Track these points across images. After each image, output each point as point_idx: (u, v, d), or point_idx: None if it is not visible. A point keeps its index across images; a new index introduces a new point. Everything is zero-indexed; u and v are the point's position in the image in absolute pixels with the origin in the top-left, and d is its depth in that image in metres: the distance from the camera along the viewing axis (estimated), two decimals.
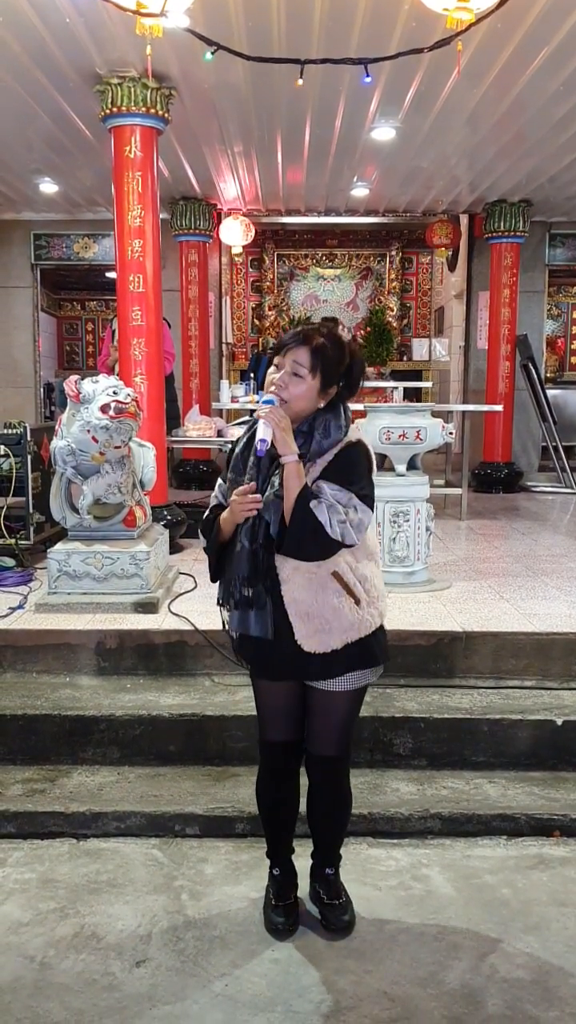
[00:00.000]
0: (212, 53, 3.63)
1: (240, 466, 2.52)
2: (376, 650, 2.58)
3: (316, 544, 2.37)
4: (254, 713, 2.74)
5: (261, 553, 2.42)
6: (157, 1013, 2.39)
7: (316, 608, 2.45)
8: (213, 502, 2.63)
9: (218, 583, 2.59)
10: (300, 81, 3.74)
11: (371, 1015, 2.38)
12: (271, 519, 2.39)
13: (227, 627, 2.61)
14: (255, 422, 2.55)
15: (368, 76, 3.85)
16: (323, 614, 2.45)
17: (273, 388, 2.41)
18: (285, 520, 2.37)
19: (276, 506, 2.38)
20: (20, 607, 4.57)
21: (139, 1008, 2.40)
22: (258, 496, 2.39)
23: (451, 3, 3.49)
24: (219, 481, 2.65)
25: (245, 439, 2.55)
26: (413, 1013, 2.39)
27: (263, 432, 2.33)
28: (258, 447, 2.33)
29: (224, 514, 2.49)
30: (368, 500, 2.43)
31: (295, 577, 2.44)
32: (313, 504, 2.34)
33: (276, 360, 2.44)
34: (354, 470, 2.44)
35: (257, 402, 2.50)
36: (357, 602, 2.49)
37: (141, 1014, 2.38)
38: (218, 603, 2.59)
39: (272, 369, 2.45)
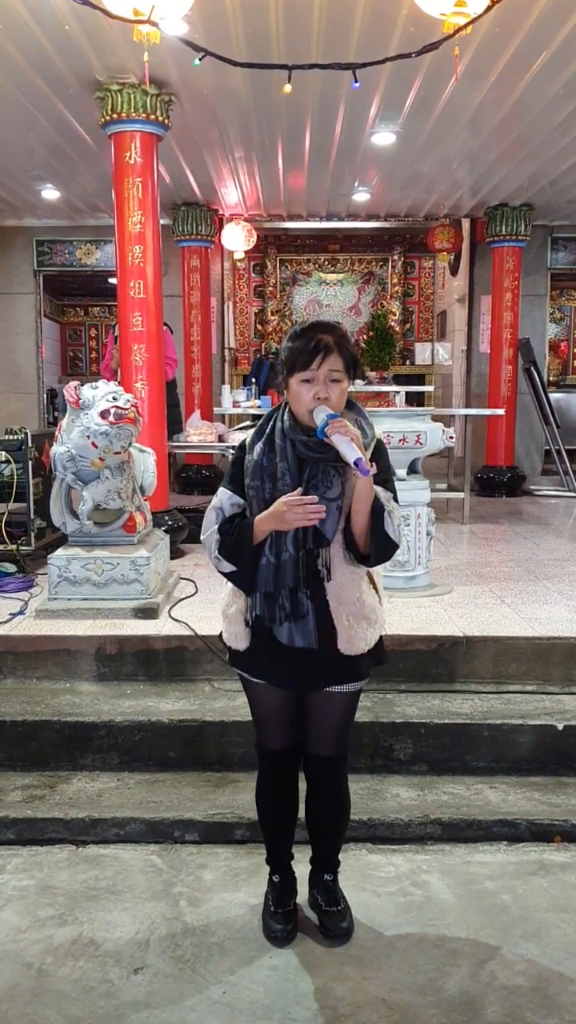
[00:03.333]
0: (199, 59, 3.63)
1: (265, 474, 2.41)
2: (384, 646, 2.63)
3: (389, 552, 2.43)
4: None
5: (306, 559, 2.40)
6: (154, 1020, 2.38)
7: (358, 608, 2.46)
8: (220, 514, 2.48)
9: (241, 604, 2.51)
10: (288, 88, 3.73)
11: (369, 1022, 2.37)
12: (322, 524, 2.37)
13: (246, 642, 2.51)
14: (264, 423, 2.48)
15: (356, 82, 3.84)
16: (364, 613, 2.47)
17: (321, 401, 2.33)
18: (353, 528, 2.37)
19: (330, 510, 2.36)
20: (21, 613, 4.57)
21: (136, 1015, 2.39)
22: (322, 506, 2.33)
23: (448, 8, 3.49)
24: (223, 492, 2.51)
25: (265, 448, 2.43)
26: (411, 1021, 2.37)
27: (353, 452, 2.23)
28: (359, 467, 2.22)
29: (266, 524, 2.38)
30: (396, 495, 2.47)
31: (343, 579, 2.43)
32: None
33: (304, 375, 2.33)
34: (389, 469, 2.50)
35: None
36: (380, 599, 2.55)
37: (138, 1021, 2.37)
38: (248, 624, 2.49)
39: (304, 386, 2.34)
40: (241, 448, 2.52)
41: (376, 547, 2.39)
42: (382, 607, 2.57)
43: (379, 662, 2.60)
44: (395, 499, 2.45)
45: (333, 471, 2.38)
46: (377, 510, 2.36)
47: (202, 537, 2.52)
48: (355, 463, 2.23)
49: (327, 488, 2.38)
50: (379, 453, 2.47)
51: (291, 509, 2.31)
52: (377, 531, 2.37)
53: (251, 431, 2.54)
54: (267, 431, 2.47)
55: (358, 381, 11.18)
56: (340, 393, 2.38)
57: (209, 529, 2.50)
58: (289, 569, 2.40)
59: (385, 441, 4.74)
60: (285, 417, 2.44)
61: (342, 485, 2.38)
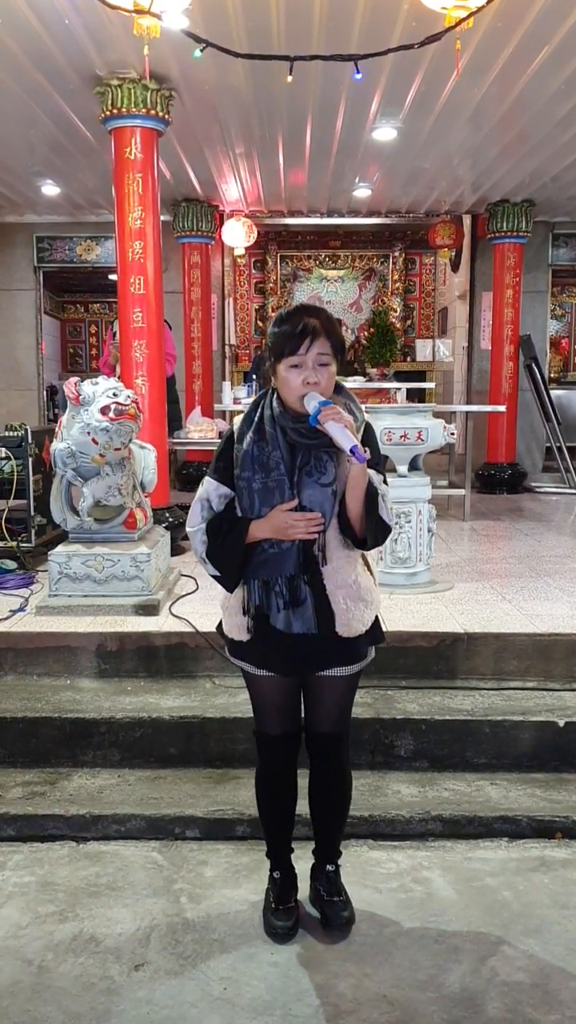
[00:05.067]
0: (200, 51, 3.62)
1: (257, 464, 2.39)
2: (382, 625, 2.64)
3: (384, 535, 2.45)
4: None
5: (304, 545, 2.40)
6: (155, 1017, 2.37)
7: (355, 591, 2.46)
8: (206, 506, 2.48)
9: (239, 595, 2.50)
10: (289, 78, 3.71)
11: (370, 1019, 2.36)
12: (319, 508, 2.38)
13: (248, 632, 2.50)
14: (252, 410, 2.46)
15: (358, 73, 3.81)
16: (360, 595, 2.48)
17: (310, 386, 2.32)
18: (349, 514, 2.38)
19: (325, 495, 2.37)
20: (21, 610, 4.56)
21: (137, 1011, 2.39)
22: (322, 519, 2.36)
23: (450, 2, 3.48)
24: (209, 483, 2.48)
25: (255, 437, 2.41)
26: (412, 1017, 2.37)
27: (348, 439, 2.23)
28: (355, 454, 2.22)
29: (262, 534, 2.39)
30: (385, 478, 2.48)
31: (339, 563, 2.44)
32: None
33: (292, 360, 2.32)
34: (379, 452, 2.50)
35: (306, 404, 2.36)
36: (374, 579, 2.57)
37: (139, 1018, 2.37)
38: (246, 613, 2.49)
39: (292, 371, 2.33)
40: (228, 439, 2.48)
41: (372, 531, 2.41)
42: (376, 587, 2.58)
43: (376, 641, 2.61)
44: (384, 481, 2.46)
45: (326, 456, 2.39)
46: (371, 495, 2.37)
47: (188, 530, 2.52)
48: (351, 450, 2.23)
49: (321, 474, 2.38)
50: (368, 436, 2.46)
51: (293, 524, 2.34)
52: (372, 515, 2.38)
53: (238, 420, 2.51)
54: (255, 419, 2.44)
55: (359, 378, 11.17)
56: (329, 377, 2.37)
57: (196, 525, 2.48)
58: (291, 556, 2.41)
59: (386, 438, 4.80)
60: (273, 404, 2.42)
61: (335, 469, 2.39)
